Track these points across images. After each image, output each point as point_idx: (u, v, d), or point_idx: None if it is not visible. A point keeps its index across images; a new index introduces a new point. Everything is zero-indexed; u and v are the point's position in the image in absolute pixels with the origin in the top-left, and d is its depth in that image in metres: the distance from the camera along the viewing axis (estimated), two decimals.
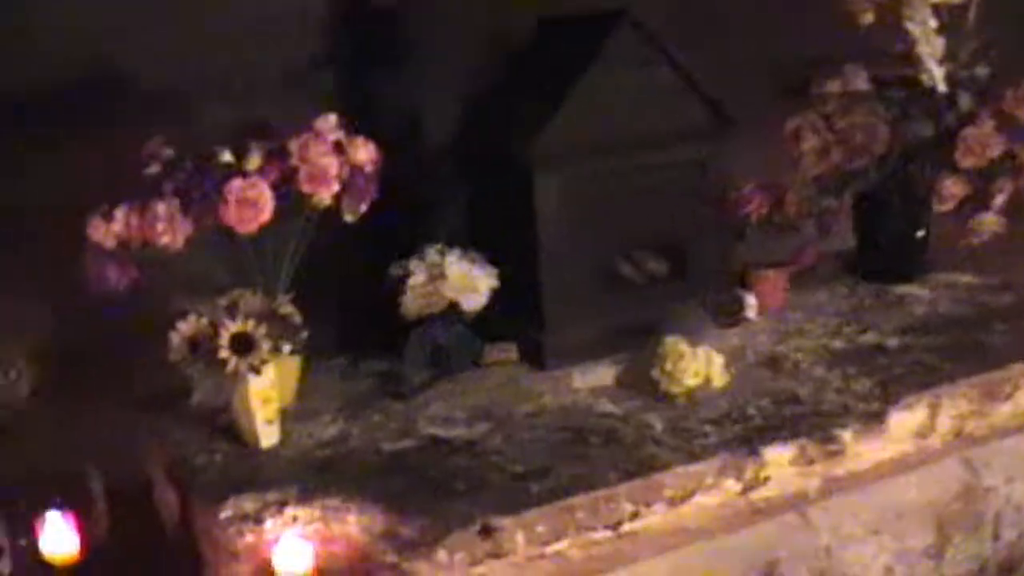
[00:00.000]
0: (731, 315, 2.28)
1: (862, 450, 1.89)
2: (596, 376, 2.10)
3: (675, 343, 2.02)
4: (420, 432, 1.90)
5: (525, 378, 2.11)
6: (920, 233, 2.47)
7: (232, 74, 2.04)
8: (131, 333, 1.92)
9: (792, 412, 1.92)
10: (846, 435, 1.86)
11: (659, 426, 1.88)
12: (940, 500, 1.96)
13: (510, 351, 2.16)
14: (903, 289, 2.47)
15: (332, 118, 1.87)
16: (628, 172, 2.14)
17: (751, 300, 2.31)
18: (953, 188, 2.26)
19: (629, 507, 1.70)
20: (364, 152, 1.87)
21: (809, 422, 1.88)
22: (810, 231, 2.37)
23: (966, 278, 2.51)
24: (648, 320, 2.16)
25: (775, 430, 1.85)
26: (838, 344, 2.18)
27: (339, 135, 1.86)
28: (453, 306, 2.06)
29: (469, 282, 2.07)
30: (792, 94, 2.36)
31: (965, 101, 2.24)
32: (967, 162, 2.24)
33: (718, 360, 2.02)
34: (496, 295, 2.12)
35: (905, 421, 1.93)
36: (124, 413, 2.00)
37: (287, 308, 1.87)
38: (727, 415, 1.91)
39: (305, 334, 1.88)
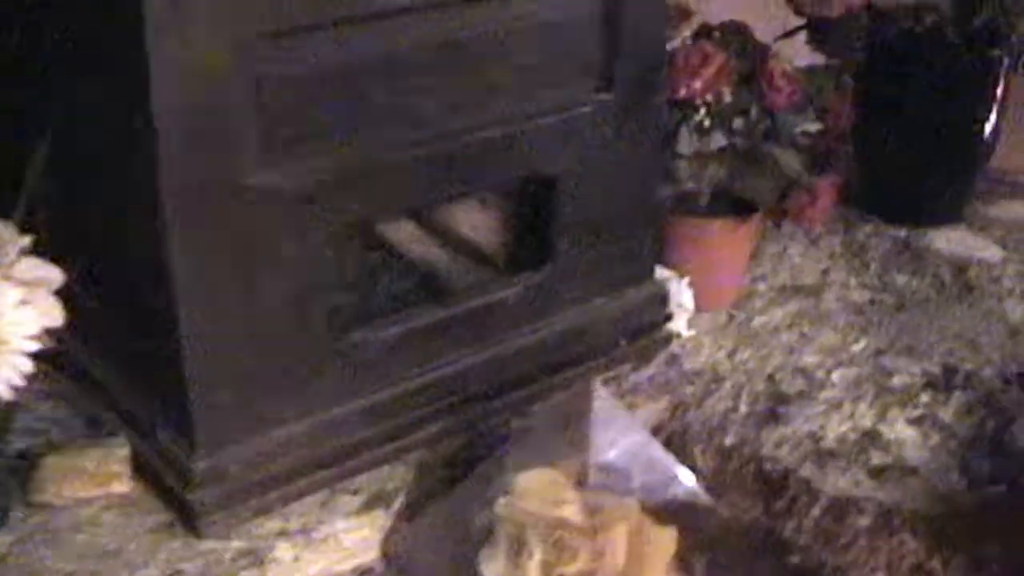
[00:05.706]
0: (645, 334, 1.00)
1: None
2: (336, 549, 0.80)
3: (546, 487, 0.74)
4: None
5: (164, 550, 0.78)
6: (988, 130, 1.24)
7: None
8: None
9: None
10: None
11: None
12: None
13: (112, 469, 0.81)
14: (952, 243, 1.24)
15: None
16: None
17: (685, 294, 1.03)
18: None
19: None
20: None
21: None
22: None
23: None
24: (477, 380, 0.89)
25: None
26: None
27: None
28: None
29: None
30: None
31: None
32: None
33: (666, 536, 0.75)
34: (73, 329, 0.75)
35: None
36: None
37: None
38: None
39: None
